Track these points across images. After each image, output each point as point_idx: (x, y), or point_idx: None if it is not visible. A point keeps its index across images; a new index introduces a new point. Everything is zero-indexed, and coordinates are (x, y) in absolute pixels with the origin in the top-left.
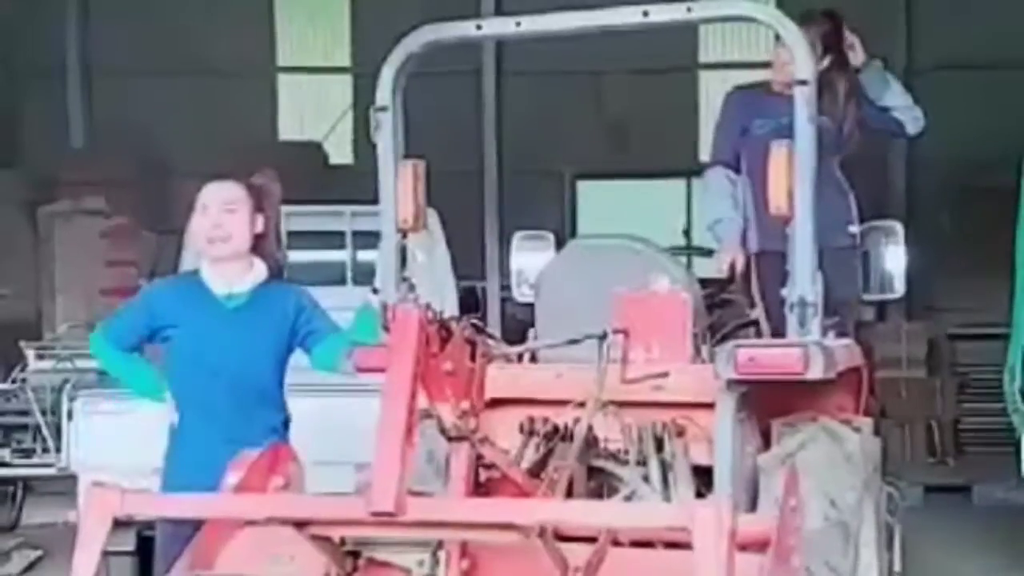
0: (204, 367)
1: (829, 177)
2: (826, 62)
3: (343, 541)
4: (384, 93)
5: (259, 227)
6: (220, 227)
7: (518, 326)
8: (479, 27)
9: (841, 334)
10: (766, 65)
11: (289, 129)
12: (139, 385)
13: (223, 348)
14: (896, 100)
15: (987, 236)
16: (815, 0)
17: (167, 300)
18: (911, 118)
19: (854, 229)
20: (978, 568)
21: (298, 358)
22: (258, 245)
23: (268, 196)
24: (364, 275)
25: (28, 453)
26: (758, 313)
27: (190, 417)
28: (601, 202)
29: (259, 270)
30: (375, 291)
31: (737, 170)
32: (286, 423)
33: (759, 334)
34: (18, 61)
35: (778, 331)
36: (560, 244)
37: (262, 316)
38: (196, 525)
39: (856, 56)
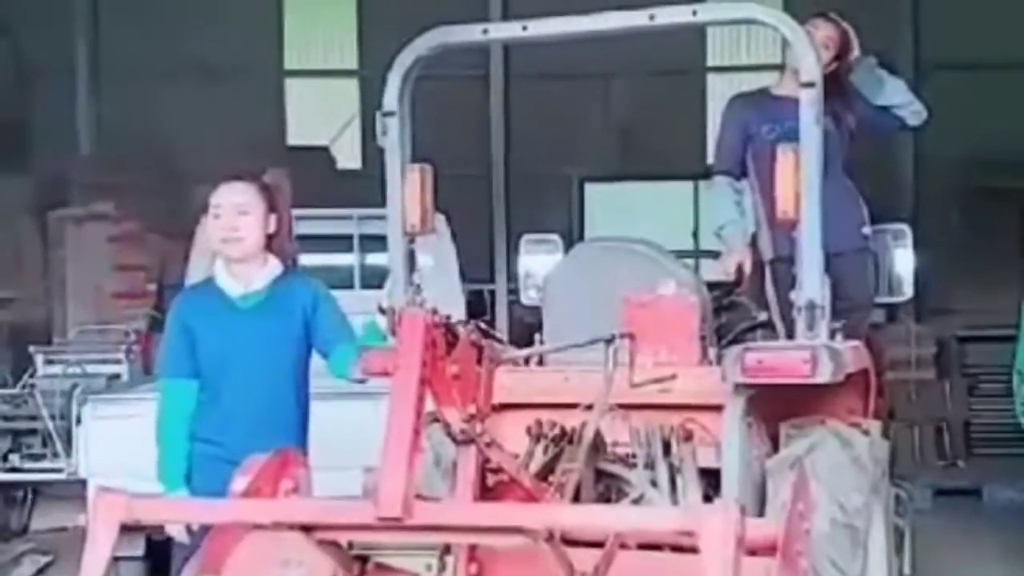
0: (233, 372)
1: (838, 180)
2: (834, 64)
3: (351, 545)
4: (391, 97)
5: (271, 227)
6: (234, 230)
7: (526, 329)
8: (486, 31)
9: (851, 336)
10: (774, 67)
11: (297, 133)
12: (163, 471)
13: (247, 349)
14: (892, 98)
15: (996, 237)
16: (822, 2)
17: (189, 311)
18: (910, 112)
19: (867, 231)
20: (988, 571)
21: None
22: (271, 243)
23: (280, 195)
24: (372, 279)
25: (38, 458)
26: (775, 319)
27: (220, 424)
28: (608, 205)
29: (272, 266)
30: (382, 311)
31: (741, 176)
32: (306, 417)
33: (766, 337)
34: (27, 65)
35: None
36: (568, 247)
37: (280, 310)
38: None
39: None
